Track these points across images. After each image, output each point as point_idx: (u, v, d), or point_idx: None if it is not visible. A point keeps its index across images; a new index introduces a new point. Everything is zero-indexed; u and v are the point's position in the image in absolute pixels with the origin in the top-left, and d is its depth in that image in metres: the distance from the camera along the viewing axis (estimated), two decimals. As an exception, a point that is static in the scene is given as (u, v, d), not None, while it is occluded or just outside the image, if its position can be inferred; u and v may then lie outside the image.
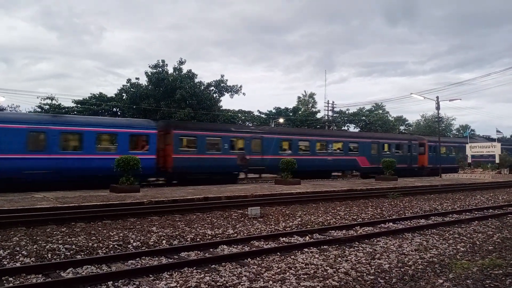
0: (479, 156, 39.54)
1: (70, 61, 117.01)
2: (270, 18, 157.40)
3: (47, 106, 42.64)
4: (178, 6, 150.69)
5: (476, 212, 14.33)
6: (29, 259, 7.44)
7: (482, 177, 34.27)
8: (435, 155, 38.48)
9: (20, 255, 7.68)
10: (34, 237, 9.32)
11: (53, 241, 8.89)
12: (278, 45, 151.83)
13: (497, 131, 42.17)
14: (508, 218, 12.96)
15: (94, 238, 9.29)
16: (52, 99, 42.88)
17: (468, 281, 6.31)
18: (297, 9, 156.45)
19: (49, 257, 7.65)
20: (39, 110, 42.18)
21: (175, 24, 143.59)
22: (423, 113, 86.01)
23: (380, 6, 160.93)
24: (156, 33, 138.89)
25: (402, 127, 72.13)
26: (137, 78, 40.55)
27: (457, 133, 75.63)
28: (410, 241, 9.33)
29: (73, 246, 8.40)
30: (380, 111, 66.88)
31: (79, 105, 43.17)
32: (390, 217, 12.91)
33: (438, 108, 37.14)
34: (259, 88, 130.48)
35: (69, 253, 7.92)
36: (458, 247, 8.77)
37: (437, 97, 36.58)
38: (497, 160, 36.35)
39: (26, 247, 8.26)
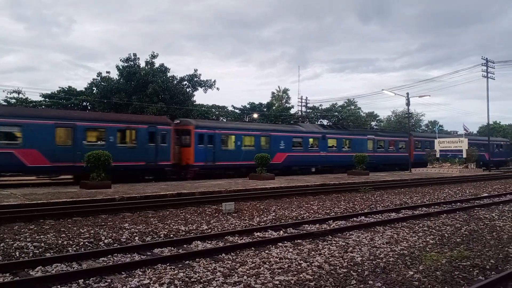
0: (442, 151, 40.03)
1: (38, 54, 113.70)
2: (244, 12, 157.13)
3: (14, 100, 41.30)
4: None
5: (444, 206, 14.73)
6: (-5, 258, 7.19)
7: (450, 172, 35.25)
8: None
9: (-15, 254, 7.41)
10: (1, 235, 9.00)
11: (21, 239, 8.62)
12: (253, 40, 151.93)
13: (464, 127, 43.38)
14: (475, 211, 13.38)
15: (64, 235, 9.06)
16: (18, 92, 41.59)
17: (437, 272, 6.47)
18: (272, 5, 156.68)
19: (17, 255, 7.43)
20: (5, 104, 40.79)
21: (148, 17, 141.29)
22: (394, 109, 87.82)
23: (353, 4, 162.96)
24: (128, 25, 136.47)
25: (373, 123, 73.35)
26: (107, 72, 39.76)
27: (426, 129, 77.56)
28: (381, 234, 9.51)
29: (42, 244, 8.17)
30: (352, 107, 67.76)
31: (47, 99, 41.97)
32: (362, 211, 13.12)
33: (408, 104, 38.06)
34: (234, 83, 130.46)
35: (38, 251, 7.70)
36: (428, 239, 9.00)
37: (407, 94, 37.50)
38: (464, 155, 37.42)
39: (-8, 246, 7.99)
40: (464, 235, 9.52)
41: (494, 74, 42.27)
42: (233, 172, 26.78)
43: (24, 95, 41.82)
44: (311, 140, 32.44)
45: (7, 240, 8.51)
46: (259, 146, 28.32)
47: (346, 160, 32.01)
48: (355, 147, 34.27)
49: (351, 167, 30.54)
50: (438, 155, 39.22)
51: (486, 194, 18.68)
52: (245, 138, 28.24)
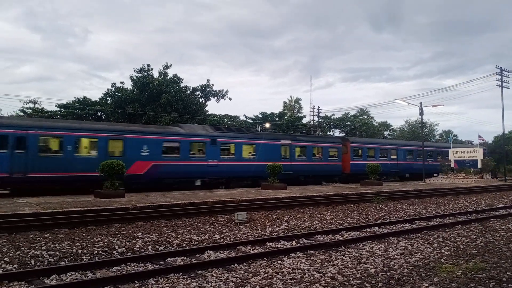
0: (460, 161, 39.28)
1: (54, 64, 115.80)
2: (257, 22, 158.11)
3: (30, 110, 42.04)
4: (165, 9, 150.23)
5: (459, 216, 14.53)
6: (11, 265, 7.28)
7: (465, 182, 34.77)
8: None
9: (2, 261, 7.51)
10: (17, 243, 9.13)
11: (36, 247, 8.73)
12: (265, 49, 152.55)
13: (479, 137, 42.86)
14: (490, 222, 13.17)
15: (78, 244, 9.15)
16: (35, 103, 42.36)
17: (452, 284, 6.38)
18: (284, 14, 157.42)
19: (32, 263, 7.51)
20: (22, 114, 41.55)
21: (161, 28, 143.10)
22: (407, 119, 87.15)
23: (365, 13, 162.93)
24: (142, 36, 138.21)
25: (386, 132, 72.92)
26: (122, 82, 40.42)
27: (440, 138, 76.74)
28: (395, 245, 9.41)
29: (57, 253, 8.26)
30: (365, 117, 67.49)
31: (62, 109, 42.65)
32: (376, 222, 13.00)
33: (421, 113, 37.74)
34: (246, 93, 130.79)
35: (52, 260, 7.78)
36: (443, 251, 8.88)
37: (421, 103, 37.20)
38: (479, 165, 36.93)
39: (8, 254, 8.10)
40: (479, 247, 9.37)
41: (508, 83, 41.82)
42: (59, 187, 20.55)
43: (40, 105, 42.57)
44: (194, 144, 26.06)
45: (23, 248, 8.62)
46: (106, 153, 21.77)
47: (248, 170, 27.29)
48: (263, 155, 28.12)
49: (257, 179, 26.52)
50: (452, 165, 38.76)
51: (502, 205, 18.38)
52: (82, 141, 22.12)
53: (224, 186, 26.53)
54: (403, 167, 38.32)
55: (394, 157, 37.55)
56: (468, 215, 14.98)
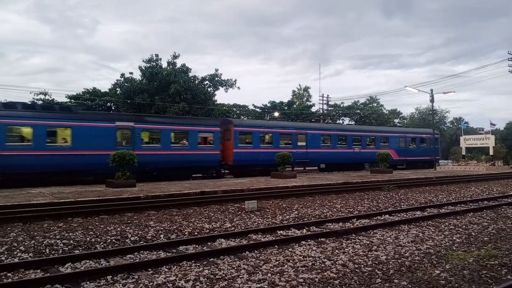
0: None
1: (64, 55, 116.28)
2: (265, 10, 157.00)
3: (40, 102, 42.38)
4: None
5: (471, 204, 14.44)
6: (27, 254, 7.43)
7: (476, 169, 34.51)
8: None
9: (18, 250, 7.66)
10: (32, 232, 9.29)
11: (51, 236, 8.87)
12: (274, 38, 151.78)
13: (491, 124, 42.39)
14: (502, 210, 13.08)
15: (91, 233, 9.28)
16: (45, 94, 42.67)
17: (464, 271, 6.37)
18: (293, 2, 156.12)
19: (47, 252, 7.64)
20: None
21: (170, 17, 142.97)
22: (418, 106, 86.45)
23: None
24: (151, 26, 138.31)
25: (396, 120, 72.39)
26: (131, 73, 40.51)
27: (451, 126, 76.05)
28: (406, 232, 9.40)
29: (71, 241, 8.39)
30: (375, 104, 67.02)
31: (72, 100, 42.95)
32: (386, 209, 12.98)
33: (432, 101, 37.40)
34: (255, 81, 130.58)
35: (67, 248, 7.91)
36: (454, 238, 8.85)
37: (431, 90, 36.84)
38: (491, 152, 36.62)
39: (23, 243, 8.24)
40: (491, 234, 9.32)
41: (521, 69, 41.13)
42: None
43: (50, 97, 42.88)
44: None
45: (38, 237, 8.77)
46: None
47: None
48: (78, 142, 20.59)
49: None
50: (463, 152, 38.45)
51: (514, 192, 18.21)
52: None
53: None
54: (315, 156, 30.60)
55: (301, 143, 29.97)
56: (480, 202, 14.89)
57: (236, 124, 27.97)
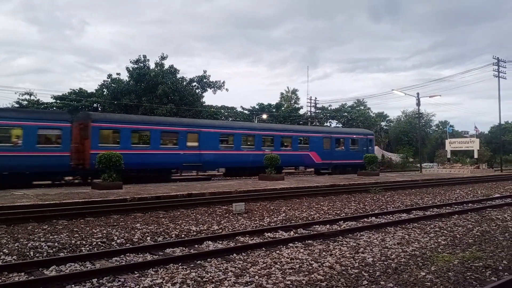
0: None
1: (51, 56, 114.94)
2: (255, 13, 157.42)
3: (25, 102, 41.82)
4: (162, 0, 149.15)
5: (456, 206, 14.62)
6: (10, 257, 7.30)
7: (461, 172, 34.98)
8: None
9: (1, 253, 7.52)
10: (15, 235, 9.14)
11: (35, 238, 8.74)
12: (263, 40, 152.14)
13: (475, 128, 43.09)
14: (487, 212, 13.26)
15: (77, 235, 9.17)
16: (30, 94, 42.12)
17: (449, 273, 6.44)
18: (282, 5, 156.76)
19: (31, 255, 7.53)
20: (17, 106, 41.33)
21: (159, 18, 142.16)
22: (404, 109, 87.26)
23: (364, 2, 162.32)
24: (139, 27, 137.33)
25: (383, 123, 73.05)
26: (118, 74, 40.20)
27: (437, 129, 76.96)
28: (392, 235, 9.47)
29: (56, 244, 8.27)
30: (362, 107, 67.57)
31: (58, 101, 42.47)
32: (373, 212, 13.07)
33: (418, 104, 37.87)
34: (243, 84, 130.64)
35: (51, 251, 7.80)
36: (439, 240, 8.94)
37: (418, 94, 37.35)
38: (475, 155, 37.15)
39: (7, 245, 8.10)
40: (476, 236, 9.45)
41: (506, 73, 41.88)
42: None
43: (35, 97, 42.35)
44: None
45: (22, 240, 8.63)
46: None
47: None
48: None
49: None
50: (449, 155, 38.94)
51: (498, 195, 18.49)
52: None
53: None
54: (211, 159, 25.82)
55: (193, 144, 25.25)
56: (465, 205, 15.08)
57: (95, 119, 22.26)
